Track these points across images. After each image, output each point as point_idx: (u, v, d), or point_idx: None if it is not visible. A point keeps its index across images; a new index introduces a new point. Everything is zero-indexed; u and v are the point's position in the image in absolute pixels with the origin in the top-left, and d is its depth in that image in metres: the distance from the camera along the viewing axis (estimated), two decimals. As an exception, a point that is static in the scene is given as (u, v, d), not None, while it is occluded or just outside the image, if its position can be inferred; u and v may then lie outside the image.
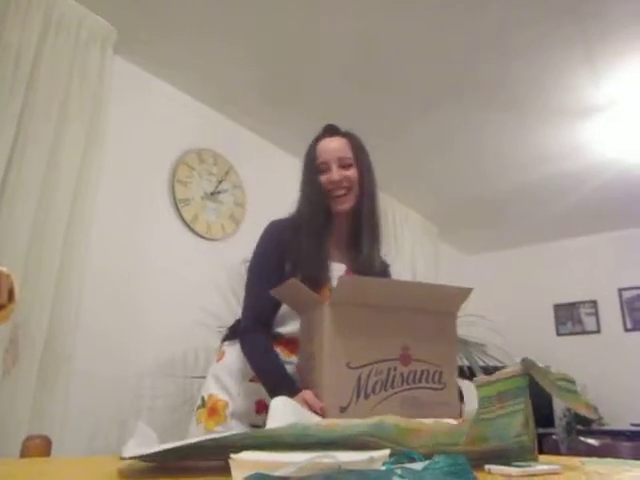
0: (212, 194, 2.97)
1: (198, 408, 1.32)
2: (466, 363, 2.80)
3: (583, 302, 4.80)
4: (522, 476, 0.62)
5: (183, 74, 2.79)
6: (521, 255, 5.22)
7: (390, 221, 4.23)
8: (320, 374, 1.03)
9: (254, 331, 1.25)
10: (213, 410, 1.27)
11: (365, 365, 1.04)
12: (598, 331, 4.69)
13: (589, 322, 4.74)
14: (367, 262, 1.31)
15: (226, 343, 1.36)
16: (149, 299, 2.53)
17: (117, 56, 2.56)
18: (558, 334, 4.90)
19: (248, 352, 1.24)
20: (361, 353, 1.04)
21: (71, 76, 2.34)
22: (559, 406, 4.47)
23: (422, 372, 1.07)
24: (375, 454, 0.51)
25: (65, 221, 2.19)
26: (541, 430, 4.34)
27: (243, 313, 1.31)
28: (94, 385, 2.21)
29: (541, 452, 0.80)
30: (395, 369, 1.05)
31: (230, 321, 1.48)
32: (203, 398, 1.31)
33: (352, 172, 1.32)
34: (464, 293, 1.16)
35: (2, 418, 1.82)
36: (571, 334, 4.80)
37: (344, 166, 1.32)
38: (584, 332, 4.75)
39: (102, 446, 2.19)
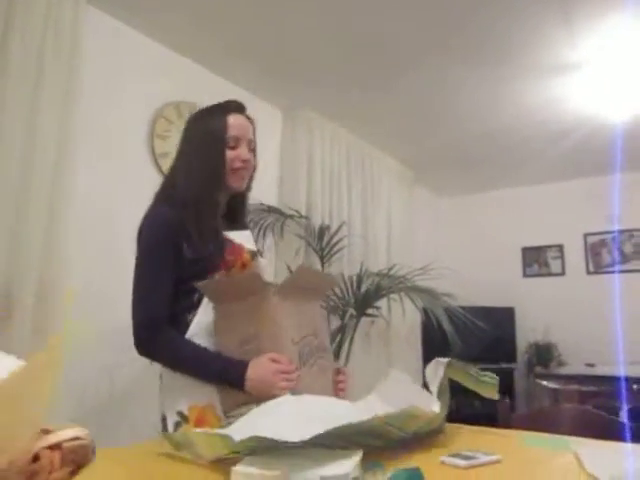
0: (192, 147, 2.98)
1: (177, 425, 1.20)
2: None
3: (550, 246, 5.01)
4: (469, 467, 0.75)
5: (158, 24, 2.73)
6: (494, 198, 5.37)
7: (368, 167, 4.30)
8: (279, 351, 1.17)
9: (162, 331, 1.22)
10: (201, 420, 1.18)
11: (299, 340, 1.22)
12: (563, 273, 4.93)
13: (555, 265, 4.98)
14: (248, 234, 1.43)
15: None
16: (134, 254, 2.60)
17: (90, 6, 2.50)
18: (524, 275, 5.14)
19: (171, 355, 1.22)
20: (296, 331, 1.22)
21: (45, 29, 2.29)
22: (522, 343, 4.78)
23: (319, 343, 1.27)
24: (349, 467, 0.63)
25: (49, 178, 2.20)
26: (504, 365, 4.67)
27: (141, 317, 1.24)
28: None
29: (494, 420, 0.96)
30: (311, 342, 1.25)
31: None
32: (182, 414, 1.21)
33: (253, 156, 1.37)
34: (333, 280, 1.42)
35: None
36: (537, 276, 5.04)
37: (251, 149, 1.36)
38: (549, 274, 4.99)
39: (93, 403, 2.33)
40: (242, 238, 1.35)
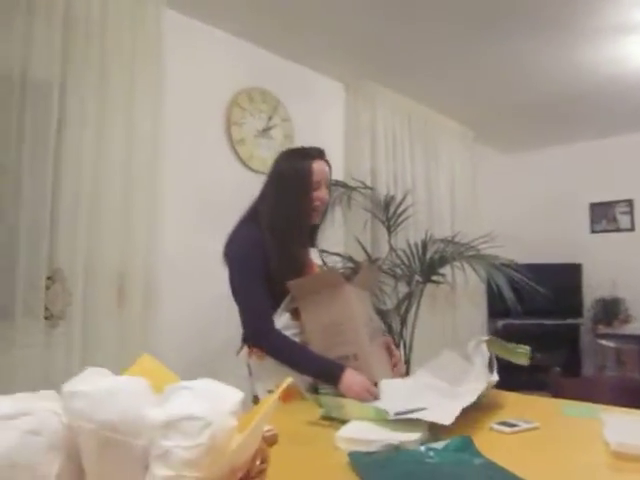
0: (264, 131, 3.22)
1: None
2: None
3: (619, 201, 4.96)
4: (512, 433, 0.98)
5: (227, 17, 2.91)
6: (559, 153, 5.31)
7: (429, 131, 4.39)
8: (356, 332, 1.47)
9: (272, 330, 1.49)
10: (287, 395, 1.35)
11: (367, 323, 1.52)
12: (632, 229, 4.89)
13: (624, 220, 4.93)
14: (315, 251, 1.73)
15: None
16: (221, 237, 2.89)
17: (168, 8, 2.71)
18: (592, 231, 5.12)
19: (278, 351, 1.48)
20: (365, 316, 1.53)
21: (134, 35, 2.53)
22: (589, 299, 4.84)
23: (375, 325, 1.59)
24: (419, 434, 0.87)
25: (146, 171, 2.49)
26: (570, 321, 4.76)
27: (252, 319, 1.51)
28: (180, 311, 2.68)
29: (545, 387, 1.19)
30: (371, 325, 1.56)
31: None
32: (272, 391, 1.48)
33: (328, 195, 1.65)
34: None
35: (120, 347, 2.32)
36: (605, 231, 5.02)
37: (327, 189, 1.63)
38: (618, 230, 4.96)
39: (191, 359, 2.69)
40: (312, 255, 1.67)
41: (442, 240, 3.46)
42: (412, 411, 0.98)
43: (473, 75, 3.73)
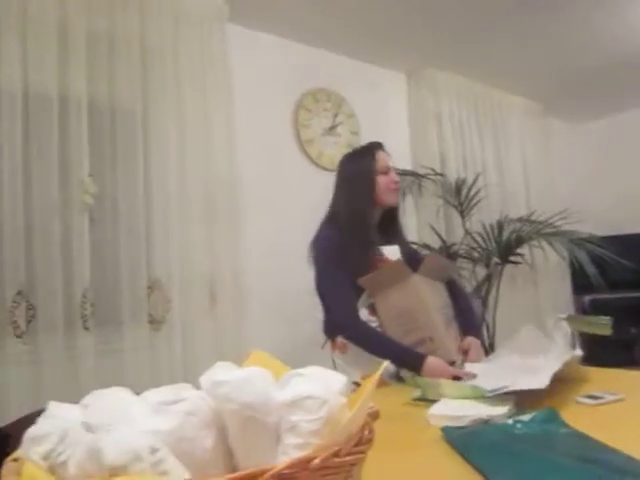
0: (330, 129, 3.32)
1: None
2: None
3: None
4: (596, 405, 1.02)
5: (285, 23, 3.02)
6: (634, 119, 5.05)
7: (497, 111, 4.31)
8: (429, 316, 1.55)
9: (359, 321, 1.58)
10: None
11: (440, 309, 1.60)
12: None
13: None
14: (405, 243, 1.85)
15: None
16: (299, 233, 3.03)
17: (230, 23, 2.86)
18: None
19: (364, 340, 1.56)
20: (437, 302, 1.60)
21: (202, 53, 2.70)
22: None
23: (451, 314, 1.64)
24: (507, 408, 0.94)
25: (226, 181, 2.68)
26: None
27: (339, 312, 1.61)
28: (266, 308, 2.83)
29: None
30: (446, 313, 1.62)
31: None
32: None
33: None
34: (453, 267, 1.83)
35: (215, 345, 2.51)
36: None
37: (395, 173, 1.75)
38: None
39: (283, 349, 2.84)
40: (390, 252, 1.73)
41: (518, 220, 3.43)
42: (504, 387, 1.05)
43: (538, 46, 3.63)
